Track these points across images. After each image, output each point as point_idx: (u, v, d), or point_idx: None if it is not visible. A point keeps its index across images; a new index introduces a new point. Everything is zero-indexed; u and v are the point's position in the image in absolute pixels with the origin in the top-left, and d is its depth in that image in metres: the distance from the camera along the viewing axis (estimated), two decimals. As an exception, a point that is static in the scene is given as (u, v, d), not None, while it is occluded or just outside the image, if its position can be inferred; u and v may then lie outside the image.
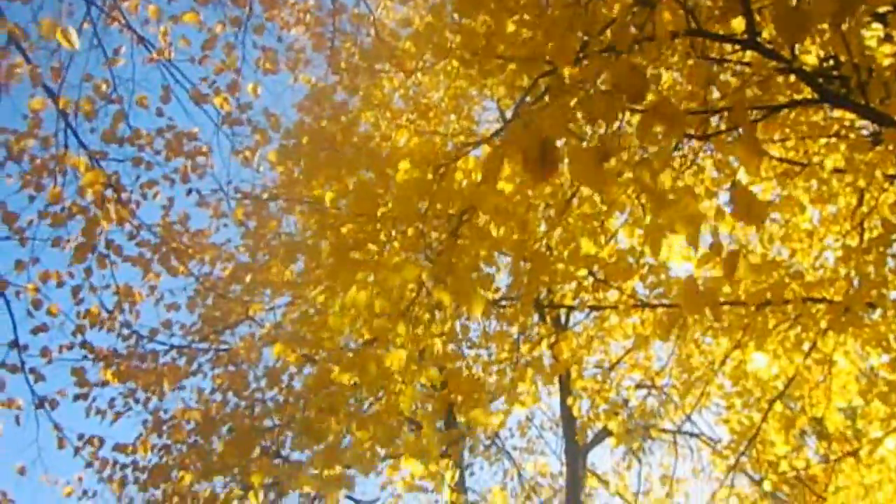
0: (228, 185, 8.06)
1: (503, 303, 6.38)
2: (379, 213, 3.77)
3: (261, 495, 3.72)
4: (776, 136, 6.02)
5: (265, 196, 7.81)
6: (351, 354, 3.68)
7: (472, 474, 11.67)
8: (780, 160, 6.38)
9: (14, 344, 6.75)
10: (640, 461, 11.45)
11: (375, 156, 5.32)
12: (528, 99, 4.65)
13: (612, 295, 6.50)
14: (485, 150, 4.97)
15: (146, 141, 7.03)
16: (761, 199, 5.70)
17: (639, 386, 8.88)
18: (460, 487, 9.54)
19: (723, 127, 4.86)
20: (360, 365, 3.42)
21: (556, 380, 8.59)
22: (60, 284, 7.15)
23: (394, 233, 4.09)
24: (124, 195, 7.19)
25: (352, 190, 4.57)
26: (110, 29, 6.91)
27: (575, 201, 5.71)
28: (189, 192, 7.70)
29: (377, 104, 6.18)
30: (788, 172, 6.32)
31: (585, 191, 5.53)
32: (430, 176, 4.03)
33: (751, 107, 4.74)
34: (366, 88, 6.23)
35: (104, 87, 6.60)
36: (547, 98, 5.05)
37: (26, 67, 6.24)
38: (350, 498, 10.26)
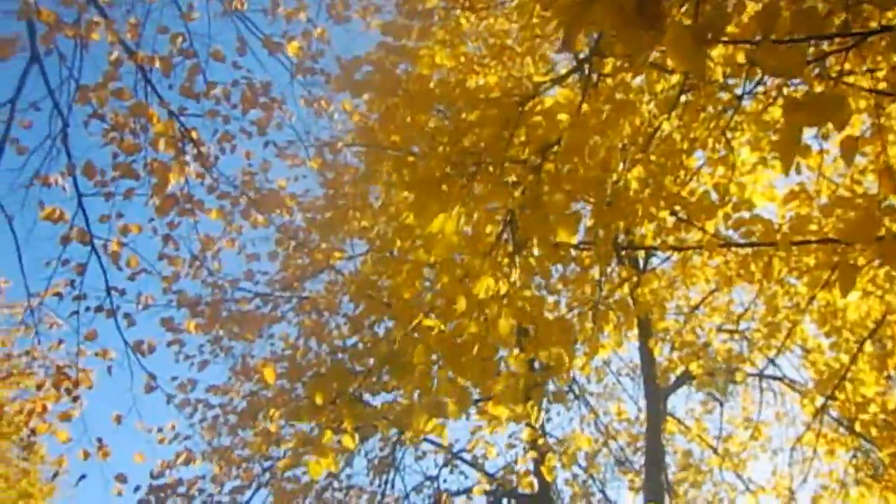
0: (306, 134, 8.15)
1: (582, 246, 6.30)
2: (464, 145, 3.71)
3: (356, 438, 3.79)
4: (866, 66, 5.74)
5: (340, 144, 7.85)
6: (438, 286, 3.66)
7: (549, 420, 11.73)
8: (870, 91, 6.09)
9: (107, 289, 7.01)
10: (721, 405, 11.33)
11: (452, 99, 5.27)
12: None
13: (693, 235, 6.36)
14: (561, 91, 4.88)
15: (222, 94, 7.13)
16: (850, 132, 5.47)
17: (719, 329, 8.74)
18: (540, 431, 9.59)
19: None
20: (448, 299, 3.42)
21: (634, 324, 8.50)
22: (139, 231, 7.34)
23: (477, 177, 4.06)
24: (203, 149, 7.33)
25: (432, 128, 4.54)
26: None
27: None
28: (266, 144, 7.82)
29: (451, 46, 6.10)
30: (879, 103, 6.03)
31: (666, 127, 5.39)
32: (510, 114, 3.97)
33: (840, 34, 4.51)
34: (440, 31, 6.16)
35: (180, 40, 6.69)
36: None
37: (104, 24, 6.36)
38: (431, 441, 10.43)
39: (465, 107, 4.90)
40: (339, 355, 8.02)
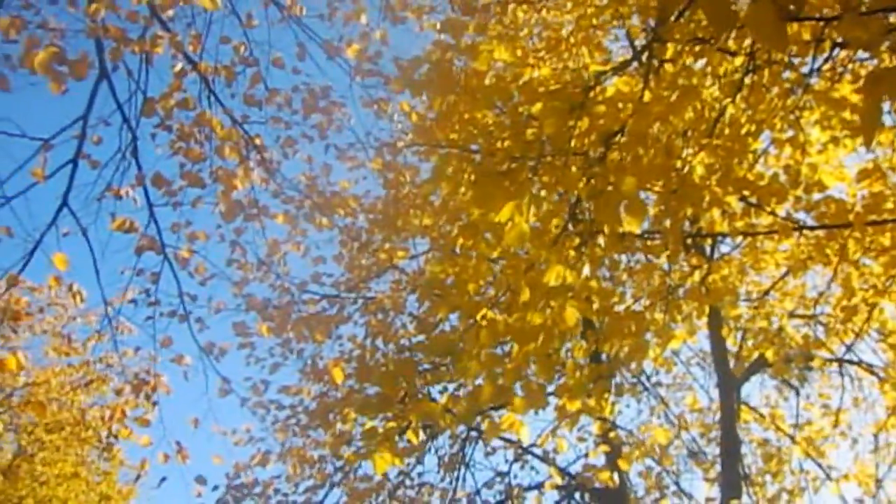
0: (367, 136, 8.22)
1: (647, 235, 6.21)
2: (526, 138, 3.68)
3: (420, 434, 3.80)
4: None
5: (400, 144, 7.90)
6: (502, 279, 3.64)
7: (620, 413, 11.58)
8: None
9: (180, 295, 7.19)
10: (797, 393, 11.05)
11: (509, 93, 5.25)
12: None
13: (762, 220, 6.22)
14: (620, 80, 4.82)
15: (284, 100, 7.23)
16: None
17: (792, 315, 8.53)
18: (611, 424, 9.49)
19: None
20: (513, 291, 3.40)
21: (705, 313, 8.34)
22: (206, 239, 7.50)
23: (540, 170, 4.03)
24: (266, 154, 7.45)
25: (491, 124, 4.53)
26: (242, -7, 7.10)
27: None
28: (327, 147, 7.91)
29: (508, 39, 6.09)
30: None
31: (731, 110, 5.28)
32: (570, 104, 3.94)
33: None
34: (497, 26, 6.15)
35: (242, 49, 6.80)
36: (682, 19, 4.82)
37: (167, 36, 6.50)
38: (501, 437, 10.40)
39: (524, 100, 4.87)
40: (406, 354, 8.07)
